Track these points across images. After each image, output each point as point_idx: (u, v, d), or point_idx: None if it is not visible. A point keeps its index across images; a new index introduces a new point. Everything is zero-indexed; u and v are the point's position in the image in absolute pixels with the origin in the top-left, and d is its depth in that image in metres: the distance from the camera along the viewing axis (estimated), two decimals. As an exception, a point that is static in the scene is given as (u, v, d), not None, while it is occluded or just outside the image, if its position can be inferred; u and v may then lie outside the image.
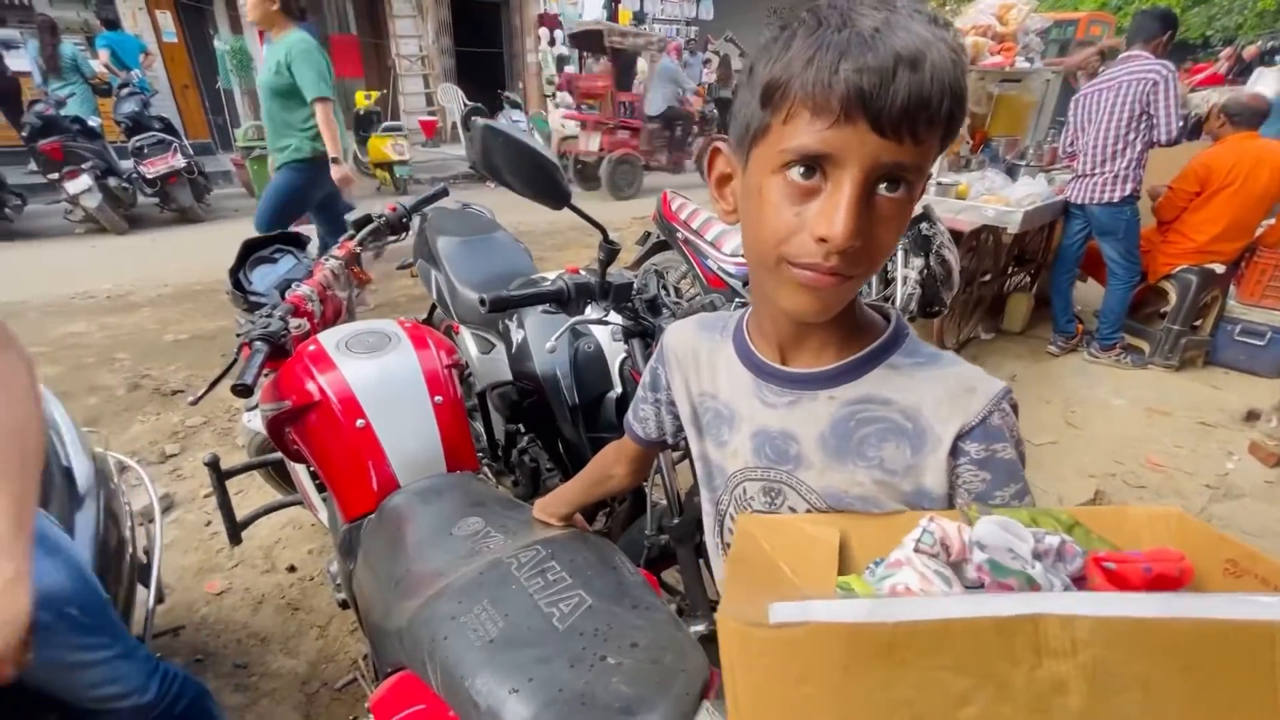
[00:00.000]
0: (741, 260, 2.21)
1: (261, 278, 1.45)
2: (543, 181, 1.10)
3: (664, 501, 1.30)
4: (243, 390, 1.11)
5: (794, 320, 0.58)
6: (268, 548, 2.21)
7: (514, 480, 1.80)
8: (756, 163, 0.52)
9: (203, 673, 1.75)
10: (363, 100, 8.03)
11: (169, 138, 5.98)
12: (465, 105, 8.69)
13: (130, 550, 1.33)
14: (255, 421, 1.86)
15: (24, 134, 5.53)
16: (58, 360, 3.47)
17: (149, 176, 5.85)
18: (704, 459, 0.71)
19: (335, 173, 3.05)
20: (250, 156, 6.50)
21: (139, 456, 2.58)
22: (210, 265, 4.80)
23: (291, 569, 2.13)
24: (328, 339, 1.23)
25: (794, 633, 0.36)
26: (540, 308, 1.45)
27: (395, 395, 1.16)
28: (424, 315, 2.46)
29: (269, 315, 1.25)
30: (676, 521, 1.23)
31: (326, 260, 1.45)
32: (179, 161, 5.93)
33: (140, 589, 1.36)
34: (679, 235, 2.54)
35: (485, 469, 1.78)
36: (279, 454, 1.93)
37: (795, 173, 0.48)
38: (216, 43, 8.32)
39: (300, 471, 1.54)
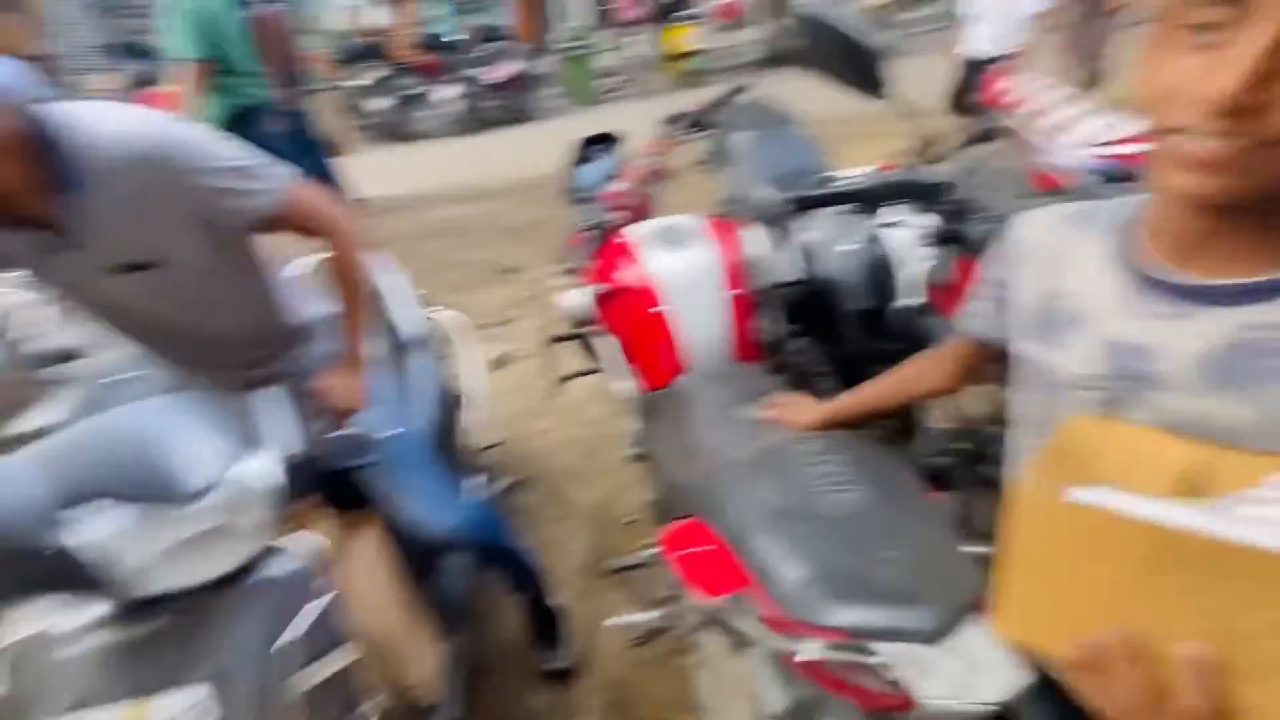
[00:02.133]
0: (1099, 150, 1.79)
1: (585, 175, 1.67)
2: (861, 70, 1.03)
3: (941, 426, 1.23)
4: (574, 272, 1.32)
5: (1190, 207, 0.48)
6: (578, 405, 2.68)
7: (782, 379, 1.86)
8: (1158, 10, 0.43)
9: (528, 488, 2.28)
10: (664, -13, 8.10)
11: (508, 45, 6.91)
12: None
13: (460, 393, 1.73)
14: (567, 300, 2.21)
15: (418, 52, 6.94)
16: (435, 238, 4.49)
17: (493, 82, 6.89)
18: (1034, 364, 0.64)
19: None
20: (567, 57, 7.17)
21: (486, 320, 3.28)
22: (536, 161, 5.60)
23: (591, 423, 2.57)
24: (636, 232, 1.39)
25: (1102, 515, 0.36)
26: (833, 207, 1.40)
27: (694, 286, 1.28)
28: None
29: (594, 209, 1.45)
30: (962, 446, 1.16)
31: (638, 158, 1.60)
32: (516, 66, 6.85)
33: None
34: (1003, 122, 2.15)
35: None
36: (589, 327, 2.28)
37: (1195, 14, 0.41)
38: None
39: (605, 345, 1.81)
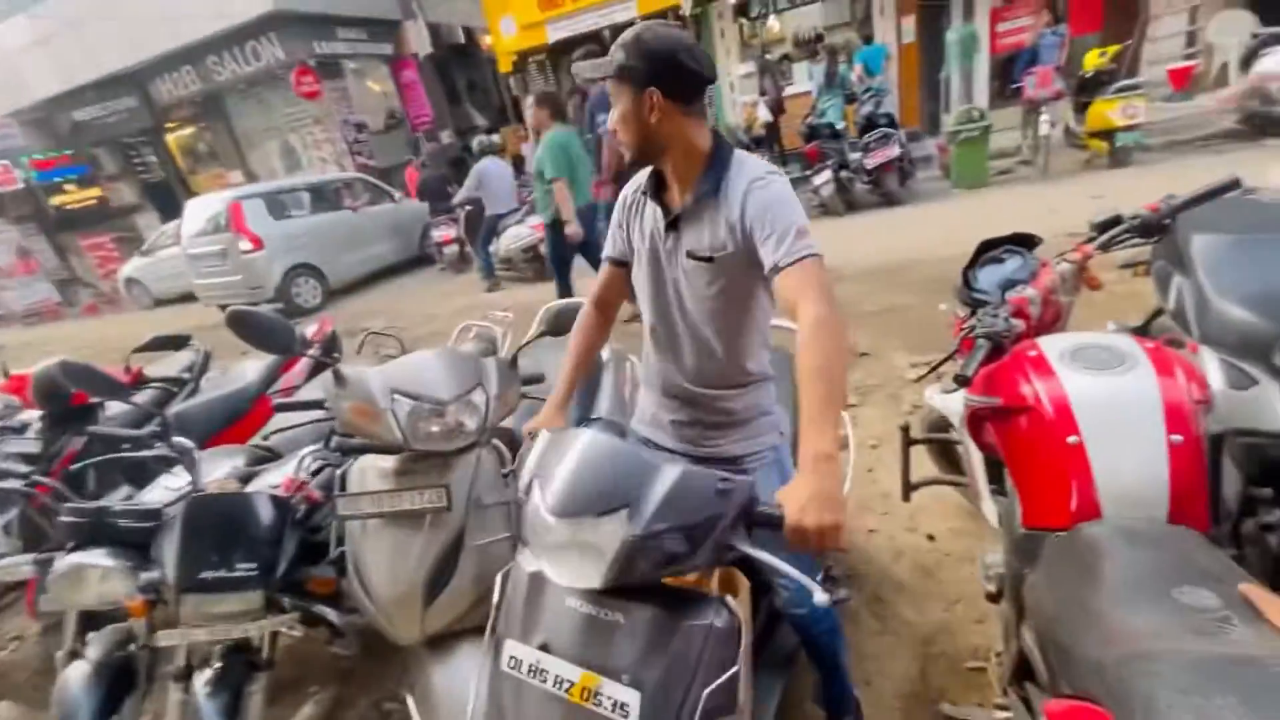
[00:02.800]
0: None
1: (987, 276, 1.56)
2: None
3: None
4: (963, 381, 1.24)
5: None
6: (913, 511, 2.46)
7: (1237, 555, 1.39)
8: None
9: (852, 589, 2.15)
10: (1094, 60, 7.13)
11: (891, 130, 6.93)
12: (1255, 36, 6.56)
13: None
14: (938, 400, 2.05)
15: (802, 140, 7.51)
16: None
17: (869, 167, 6.97)
18: None
19: (568, 230, 4.68)
20: (956, 141, 6.84)
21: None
22: (906, 245, 5.42)
23: (930, 538, 2.32)
24: (1050, 346, 1.23)
25: None
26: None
27: (1122, 421, 1.07)
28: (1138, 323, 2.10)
29: (994, 315, 1.34)
30: None
31: (1057, 263, 1.42)
32: (894, 151, 6.82)
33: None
34: None
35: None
36: (950, 434, 2.09)
37: None
38: (949, 34, 8.91)
39: (976, 460, 1.62)
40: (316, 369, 3.12)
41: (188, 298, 9.56)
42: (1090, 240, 1.44)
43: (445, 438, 1.49)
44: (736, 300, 1.32)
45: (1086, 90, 7.00)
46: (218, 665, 1.55)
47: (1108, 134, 6.62)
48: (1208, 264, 1.63)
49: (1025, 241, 1.58)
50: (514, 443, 1.63)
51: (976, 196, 6.99)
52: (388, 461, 1.54)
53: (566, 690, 0.89)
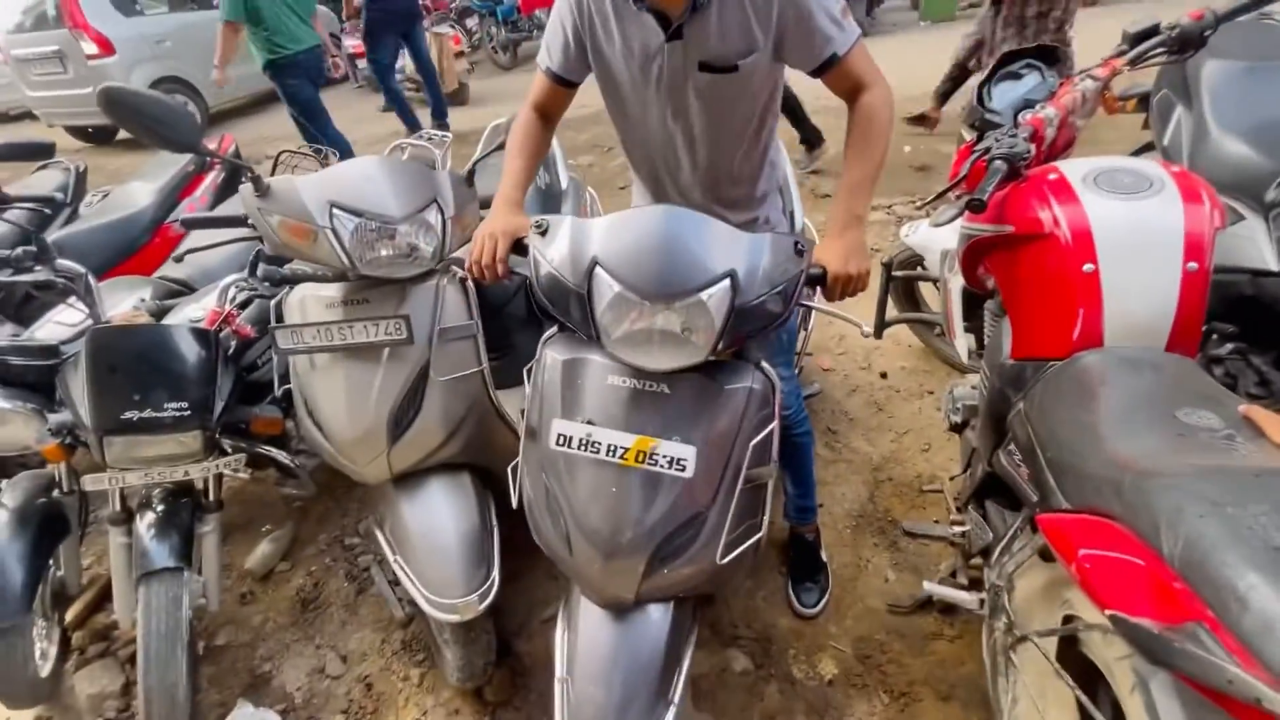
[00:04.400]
0: None
1: (1001, 95, 1.42)
2: None
3: None
4: (978, 206, 1.15)
5: None
6: (868, 350, 2.51)
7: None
8: None
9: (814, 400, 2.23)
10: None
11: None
12: None
13: None
14: (915, 238, 2.00)
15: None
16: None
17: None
18: None
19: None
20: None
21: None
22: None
23: (883, 375, 2.39)
24: (1073, 169, 1.14)
25: None
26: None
27: (1141, 247, 1.02)
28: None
29: (1013, 135, 1.22)
30: None
31: (1080, 80, 1.29)
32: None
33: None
34: None
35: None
36: (918, 271, 2.07)
37: None
38: None
39: (955, 294, 1.60)
40: (226, 189, 2.71)
41: (25, 116, 7.90)
42: (1121, 54, 1.31)
43: (398, 263, 1.31)
44: (755, 110, 1.20)
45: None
46: (160, 508, 1.44)
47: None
48: (1216, 93, 1.56)
49: (1046, 56, 1.43)
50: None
51: (945, 29, 6.58)
52: (331, 290, 1.36)
53: (621, 456, 0.93)
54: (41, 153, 2.18)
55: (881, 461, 2.04)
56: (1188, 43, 1.27)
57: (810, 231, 2.07)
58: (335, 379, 1.33)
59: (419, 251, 1.32)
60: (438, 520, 1.38)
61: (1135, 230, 1.03)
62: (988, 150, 1.24)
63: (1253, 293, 1.31)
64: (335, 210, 1.23)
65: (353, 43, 7.54)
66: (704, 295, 0.88)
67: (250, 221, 1.34)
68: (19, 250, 1.52)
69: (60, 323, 1.68)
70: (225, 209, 2.51)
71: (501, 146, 1.48)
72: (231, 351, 1.52)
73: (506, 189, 1.19)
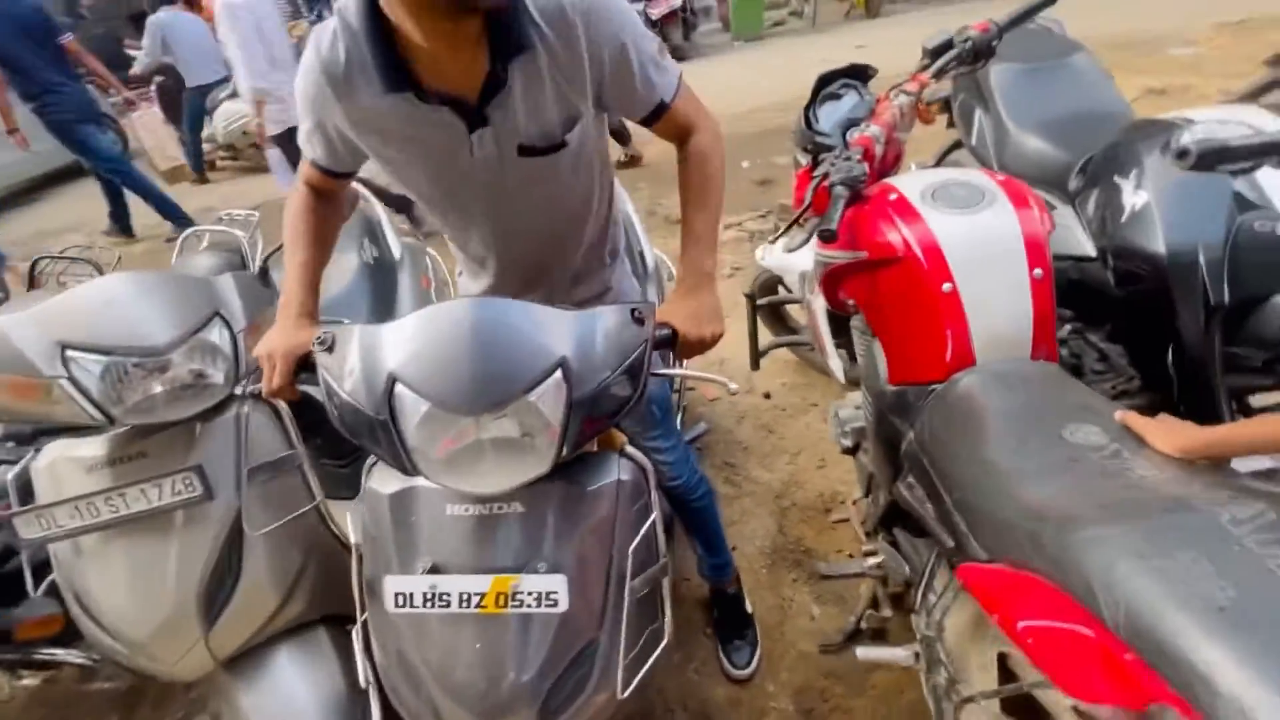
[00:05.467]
0: None
1: (826, 116, 1.42)
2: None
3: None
4: (829, 236, 1.10)
5: None
6: (748, 372, 2.49)
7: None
8: None
9: (701, 457, 2.14)
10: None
11: (670, -22, 6.53)
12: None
13: None
14: (770, 260, 1.98)
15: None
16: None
17: (653, 18, 6.58)
18: None
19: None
20: (734, -12, 6.67)
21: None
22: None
23: (767, 395, 2.37)
24: (909, 187, 1.13)
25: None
26: (1177, 165, 1.06)
27: (988, 260, 1.02)
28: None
29: (846, 159, 1.20)
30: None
31: (895, 96, 1.31)
32: (677, 1, 6.48)
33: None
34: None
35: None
36: (785, 295, 2.06)
37: None
38: None
39: (820, 317, 1.58)
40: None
41: None
42: (925, 68, 1.35)
43: (179, 400, 1.04)
44: (594, 178, 1.07)
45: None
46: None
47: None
48: (1006, 94, 1.67)
49: (859, 75, 1.46)
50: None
51: (756, 48, 7.03)
52: (91, 446, 1.05)
53: (478, 605, 0.78)
54: None
55: (783, 488, 1.99)
56: (980, 53, 1.33)
57: (665, 264, 2.00)
58: (112, 563, 1.03)
59: (206, 379, 1.06)
60: (293, 701, 1.10)
61: (980, 244, 1.02)
62: (826, 175, 1.21)
63: (1078, 277, 1.38)
64: (70, 353, 0.95)
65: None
66: (532, 395, 0.74)
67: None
68: None
69: None
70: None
71: None
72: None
73: (289, 291, 0.97)
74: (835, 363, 1.60)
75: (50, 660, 1.29)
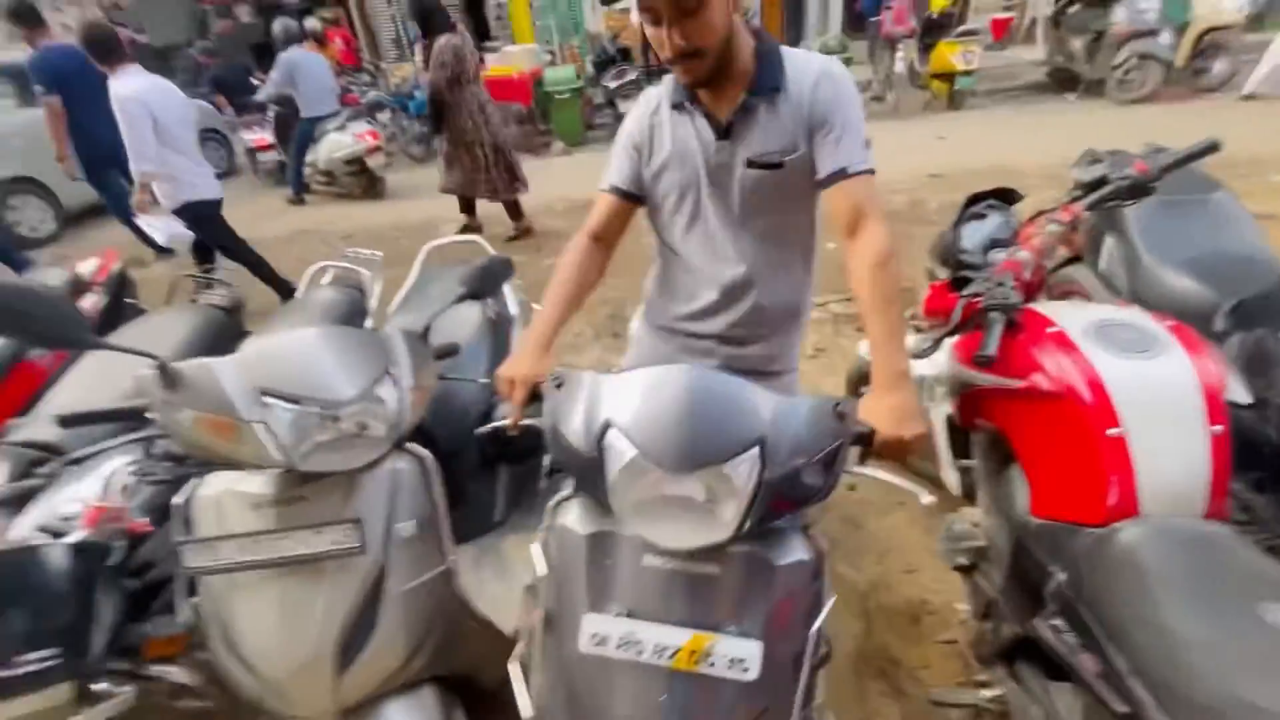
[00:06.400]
0: None
1: (970, 235, 1.44)
2: None
3: None
4: (985, 362, 1.11)
5: None
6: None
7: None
8: None
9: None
10: (941, 1, 7.44)
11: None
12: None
13: None
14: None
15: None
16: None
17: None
18: None
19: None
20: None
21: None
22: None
23: (852, 488, 2.32)
24: (1069, 322, 1.13)
25: None
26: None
27: (1163, 410, 1.00)
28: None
29: (999, 284, 1.21)
30: None
31: (1047, 224, 1.33)
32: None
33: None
34: None
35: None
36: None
37: None
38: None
39: (941, 426, 1.57)
40: (112, 314, 2.35)
41: None
42: (1076, 199, 1.36)
43: (344, 451, 1.09)
44: (804, 218, 1.27)
45: (931, 32, 7.35)
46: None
47: (948, 76, 7.06)
48: (1143, 226, 1.67)
49: (1005, 196, 1.49)
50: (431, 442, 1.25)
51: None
52: (258, 484, 1.11)
53: (671, 657, 0.80)
54: None
55: (869, 588, 1.94)
56: (1136, 193, 1.34)
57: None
58: (264, 600, 1.07)
59: (370, 432, 1.11)
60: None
61: (1155, 393, 1.01)
62: (977, 295, 1.23)
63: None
64: (267, 399, 1.01)
65: (252, 136, 7.24)
66: (726, 466, 0.79)
67: (151, 415, 1.08)
68: None
69: None
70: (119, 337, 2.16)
71: (466, 295, 1.34)
72: (118, 559, 1.21)
73: (538, 324, 1.17)
74: (952, 475, 1.57)
75: (155, 678, 1.32)
